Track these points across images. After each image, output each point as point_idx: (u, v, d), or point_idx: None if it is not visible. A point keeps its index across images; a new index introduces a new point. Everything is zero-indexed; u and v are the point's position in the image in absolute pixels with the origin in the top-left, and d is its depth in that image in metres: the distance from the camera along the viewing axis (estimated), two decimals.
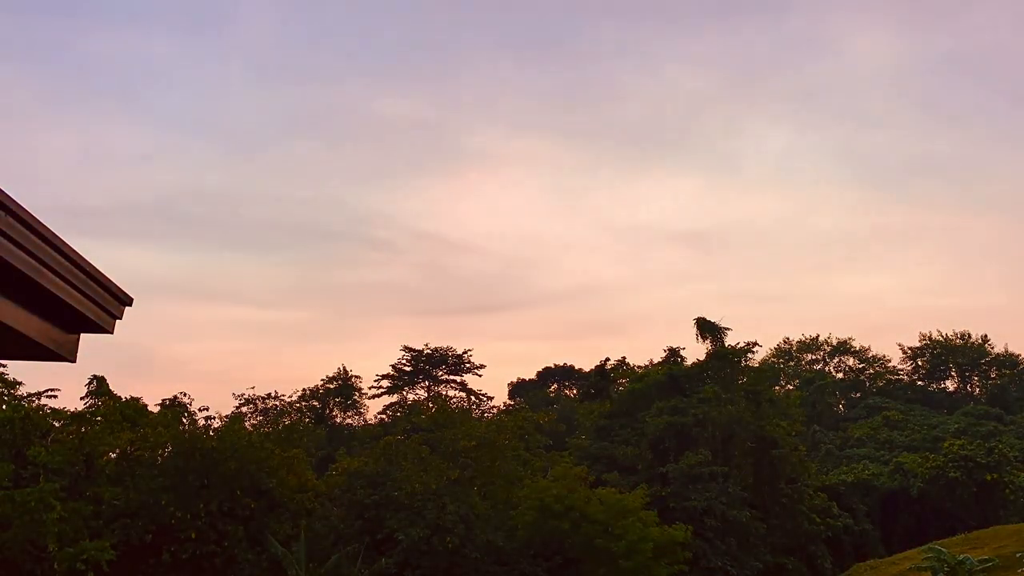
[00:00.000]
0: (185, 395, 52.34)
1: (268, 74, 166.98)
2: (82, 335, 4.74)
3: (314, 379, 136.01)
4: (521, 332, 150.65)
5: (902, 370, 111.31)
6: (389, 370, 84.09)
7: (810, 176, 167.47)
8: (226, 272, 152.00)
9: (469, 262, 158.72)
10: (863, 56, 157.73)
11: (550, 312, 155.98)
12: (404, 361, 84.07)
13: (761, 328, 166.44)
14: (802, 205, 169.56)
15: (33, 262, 3.90)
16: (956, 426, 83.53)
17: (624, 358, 76.88)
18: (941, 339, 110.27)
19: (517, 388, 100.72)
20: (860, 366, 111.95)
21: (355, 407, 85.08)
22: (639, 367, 74.18)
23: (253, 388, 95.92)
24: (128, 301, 4.78)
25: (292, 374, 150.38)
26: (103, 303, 4.56)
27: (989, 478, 65.75)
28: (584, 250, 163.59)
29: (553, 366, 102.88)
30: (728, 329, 67.21)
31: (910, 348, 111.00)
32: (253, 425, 62.27)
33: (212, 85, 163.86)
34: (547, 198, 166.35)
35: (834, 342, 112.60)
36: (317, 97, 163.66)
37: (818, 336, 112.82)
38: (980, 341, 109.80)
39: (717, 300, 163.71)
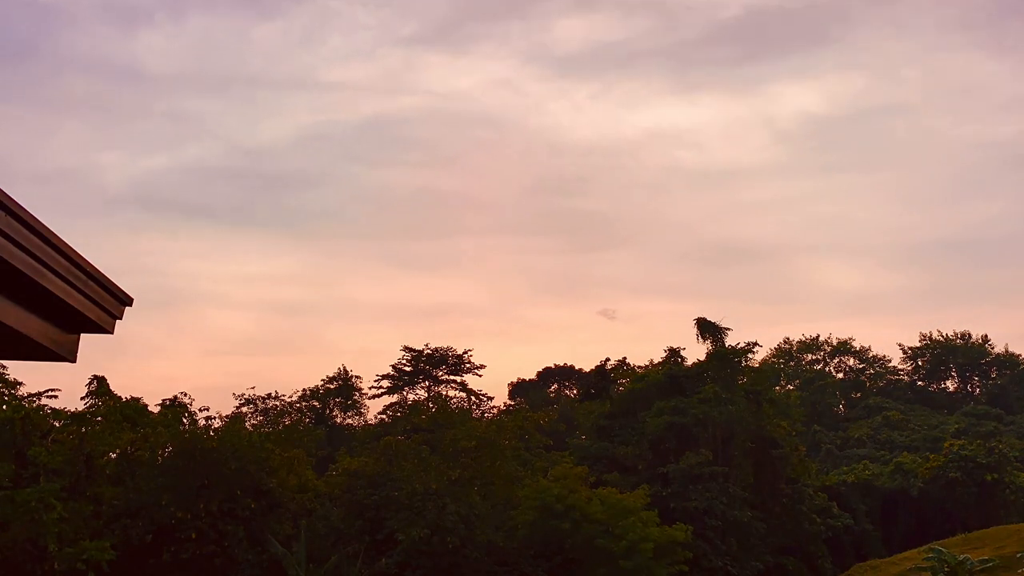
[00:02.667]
0: (185, 395, 52.29)
1: None
2: (82, 335, 4.73)
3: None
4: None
5: (902, 370, 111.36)
6: (389, 370, 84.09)
7: None
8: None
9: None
10: None
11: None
12: (404, 361, 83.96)
13: None
14: None
15: (33, 262, 3.89)
16: (956, 426, 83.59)
17: (624, 358, 76.84)
18: (941, 339, 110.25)
19: (517, 388, 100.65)
20: (860, 366, 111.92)
21: (355, 407, 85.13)
22: (639, 367, 74.10)
23: (253, 388, 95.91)
24: (128, 301, 4.77)
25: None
26: (103, 303, 4.55)
27: (989, 478, 65.71)
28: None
29: (553, 366, 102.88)
30: (728, 329, 67.18)
31: (910, 348, 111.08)
32: (253, 425, 62.24)
33: None
34: None
35: (834, 342, 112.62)
36: None
37: (818, 336, 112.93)
38: (980, 341, 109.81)
39: None
